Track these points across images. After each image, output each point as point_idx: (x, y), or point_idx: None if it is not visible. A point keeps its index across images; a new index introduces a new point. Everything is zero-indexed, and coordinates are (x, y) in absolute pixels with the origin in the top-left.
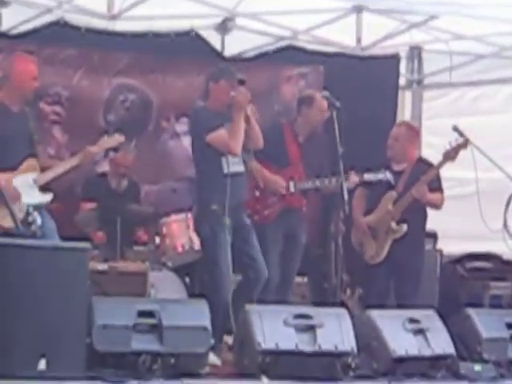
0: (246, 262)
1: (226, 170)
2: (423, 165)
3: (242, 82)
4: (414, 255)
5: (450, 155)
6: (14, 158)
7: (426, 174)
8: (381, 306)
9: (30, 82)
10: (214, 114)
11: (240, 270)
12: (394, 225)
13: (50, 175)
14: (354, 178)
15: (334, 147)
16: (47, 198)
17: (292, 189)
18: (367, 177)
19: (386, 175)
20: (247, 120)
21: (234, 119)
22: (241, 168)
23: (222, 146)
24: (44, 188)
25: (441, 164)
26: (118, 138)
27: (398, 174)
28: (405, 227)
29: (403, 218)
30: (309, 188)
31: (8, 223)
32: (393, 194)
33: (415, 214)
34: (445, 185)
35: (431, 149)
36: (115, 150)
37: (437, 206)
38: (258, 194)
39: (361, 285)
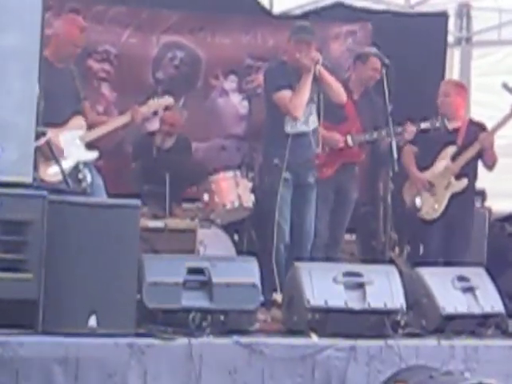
0: (297, 221)
1: (287, 130)
2: (475, 124)
3: (308, 43)
4: (467, 212)
5: None
6: (60, 115)
7: (497, 124)
8: (429, 263)
9: (69, 46)
10: (290, 71)
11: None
12: (453, 180)
13: (97, 133)
14: (411, 128)
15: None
16: (93, 155)
17: (350, 142)
18: (424, 125)
19: (444, 122)
20: (319, 79)
21: (300, 81)
22: (309, 127)
23: (282, 107)
24: (90, 145)
25: (509, 116)
26: (167, 100)
27: (453, 132)
28: (465, 182)
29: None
30: (366, 140)
31: (48, 176)
32: (452, 149)
33: (469, 171)
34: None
35: (480, 107)
36: (165, 108)
37: (494, 162)
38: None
39: (410, 242)
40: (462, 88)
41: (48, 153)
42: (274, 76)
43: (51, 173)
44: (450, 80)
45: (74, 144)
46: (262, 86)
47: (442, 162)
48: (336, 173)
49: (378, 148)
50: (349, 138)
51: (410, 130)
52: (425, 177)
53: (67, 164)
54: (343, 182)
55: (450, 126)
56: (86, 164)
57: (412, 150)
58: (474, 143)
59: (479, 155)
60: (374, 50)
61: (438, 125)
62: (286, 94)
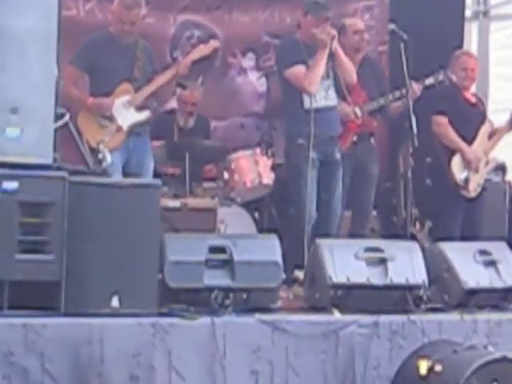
0: (324, 197)
1: (307, 106)
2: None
3: (327, 18)
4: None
5: None
6: (111, 85)
7: None
8: (450, 239)
9: (118, 23)
10: (303, 47)
11: (317, 205)
12: (490, 157)
13: (144, 93)
14: (417, 86)
15: (400, 75)
16: (144, 115)
17: (359, 112)
18: (428, 81)
19: (447, 74)
20: (334, 56)
21: (315, 57)
22: (329, 102)
23: (296, 82)
24: (141, 107)
25: None
26: (214, 44)
27: (475, 106)
28: (495, 159)
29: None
30: (374, 108)
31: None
32: (488, 127)
33: None
34: None
35: (499, 80)
36: (183, 87)
37: None
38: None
39: (431, 218)
40: (479, 63)
41: (106, 126)
42: (286, 52)
43: (109, 139)
44: (472, 54)
45: (123, 109)
46: (275, 63)
47: (482, 140)
48: (352, 147)
49: (395, 123)
50: (357, 109)
51: (417, 88)
52: (479, 153)
53: (121, 128)
54: (361, 156)
55: (473, 100)
56: (135, 125)
57: (446, 121)
58: (506, 123)
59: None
60: (391, 25)
61: (441, 78)
62: (299, 68)
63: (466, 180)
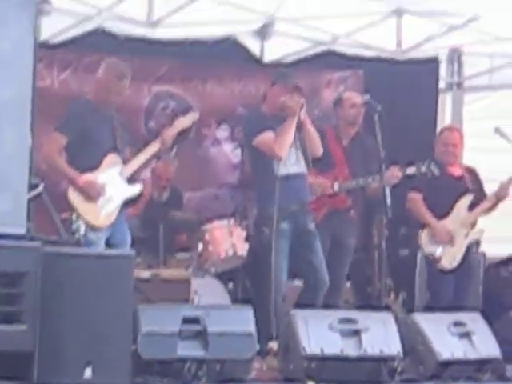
0: (307, 268)
1: (276, 173)
2: (471, 170)
3: (296, 87)
4: (475, 260)
5: None
6: (96, 157)
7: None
8: (426, 309)
9: (105, 93)
10: (268, 117)
11: (301, 277)
12: (471, 230)
13: (134, 165)
14: (397, 173)
15: (376, 150)
16: (137, 188)
17: (336, 189)
18: (410, 170)
19: (430, 167)
20: (301, 126)
21: (284, 124)
22: (299, 169)
23: (266, 149)
24: (131, 180)
25: None
26: (193, 116)
27: (458, 179)
28: (481, 231)
29: None
30: (353, 188)
31: (100, 222)
32: (469, 198)
33: None
34: (486, 187)
35: (473, 152)
36: (157, 157)
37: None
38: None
39: (405, 289)
40: (463, 136)
41: (94, 197)
42: (252, 122)
43: (103, 217)
44: (454, 128)
45: (115, 182)
46: (242, 135)
47: (461, 212)
48: (327, 219)
49: (370, 195)
50: (335, 185)
51: (396, 174)
52: (447, 227)
53: (115, 203)
54: (336, 228)
55: (456, 173)
56: (127, 200)
57: (419, 197)
58: (491, 195)
59: (494, 207)
60: (366, 96)
61: (423, 170)
62: (268, 135)
63: (435, 253)
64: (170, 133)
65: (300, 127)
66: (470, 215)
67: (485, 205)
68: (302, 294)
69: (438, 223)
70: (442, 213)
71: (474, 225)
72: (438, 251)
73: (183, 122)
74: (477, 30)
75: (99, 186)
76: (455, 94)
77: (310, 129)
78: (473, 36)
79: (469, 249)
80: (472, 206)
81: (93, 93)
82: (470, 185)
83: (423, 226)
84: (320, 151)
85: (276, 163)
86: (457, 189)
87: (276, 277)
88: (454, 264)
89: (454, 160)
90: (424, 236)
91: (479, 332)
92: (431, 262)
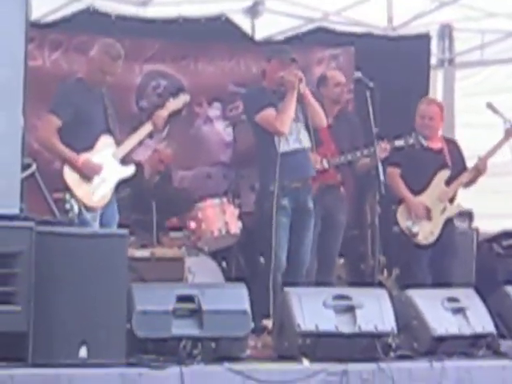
0: (293, 246)
1: (278, 149)
2: (449, 142)
3: (293, 61)
4: (455, 235)
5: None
6: (90, 137)
7: (491, 148)
8: (419, 285)
9: (98, 73)
10: (269, 93)
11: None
12: (448, 204)
13: (127, 147)
14: (386, 146)
15: (368, 126)
16: (131, 169)
17: (326, 165)
18: (398, 143)
19: (418, 139)
20: (302, 99)
21: (284, 99)
22: (301, 144)
23: (268, 125)
24: (124, 161)
25: (503, 140)
26: (184, 98)
27: (437, 153)
28: (459, 206)
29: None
30: (341, 163)
31: (95, 202)
32: (446, 173)
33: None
34: None
35: (466, 127)
36: (150, 137)
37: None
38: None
39: (401, 265)
40: (442, 109)
41: (90, 178)
42: (253, 98)
43: (97, 198)
44: (433, 100)
45: (108, 163)
46: (243, 112)
47: (438, 186)
48: (320, 196)
49: (360, 170)
50: (324, 161)
51: (384, 147)
52: (423, 202)
53: (109, 184)
54: (328, 204)
55: (434, 146)
56: (121, 181)
57: (397, 172)
58: (470, 169)
59: (473, 181)
60: (357, 73)
61: (411, 141)
62: (270, 111)
63: (411, 229)
64: (161, 114)
65: (301, 100)
66: (448, 190)
67: (462, 178)
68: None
69: (415, 198)
70: (420, 187)
71: (452, 199)
72: (415, 227)
73: (174, 103)
74: (468, 6)
75: (97, 165)
76: (447, 70)
77: (311, 100)
78: (464, 12)
79: (446, 224)
80: (450, 181)
81: (85, 72)
82: (449, 158)
83: (400, 201)
84: (324, 122)
85: (277, 140)
86: (435, 162)
87: (276, 253)
88: (431, 239)
89: (431, 133)
90: (400, 211)
91: (473, 307)
92: (407, 237)
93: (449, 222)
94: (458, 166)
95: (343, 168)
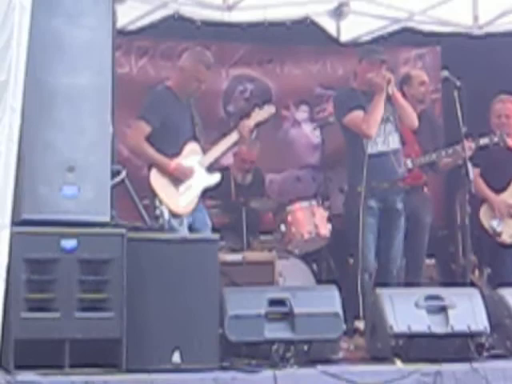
0: (383, 246)
1: (366, 151)
2: None
3: (383, 62)
4: None
5: None
6: (177, 144)
7: None
8: (504, 284)
9: (193, 81)
10: (360, 94)
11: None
12: None
13: (213, 155)
14: (470, 144)
15: (455, 125)
16: (216, 178)
17: (410, 165)
18: (483, 141)
19: (503, 136)
20: (392, 100)
21: (373, 100)
22: (391, 146)
23: (355, 128)
24: (210, 169)
25: None
26: (270, 109)
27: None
28: None
29: None
30: (426, 163)
31: (181, 209)
32: None
33: None
34: None
35: None
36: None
37: None
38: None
39: (489, 265)
40: None
41: (181, 182)
42: (343, 100)
43: (184, 205)
44: (506, 99)
45: (195, 171)
46: (333, 113)
47: None
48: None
49: (452, 171)
50: (408, 162)
51: (469, 146)
52: (506, 201)
53: (195, 191)
54: (413, 205)
55: (510, 141)
56: (208, 189)
57: (477, 172)
58: None
59: None
60: (444, 72)
61: (496, 140)
62: (357, 113)
63: (495, 228)
64: (247, 124)
65: (391, 101)
66: None
67: None
68: (376, 273)
69: (497, 197)
70: (500, 186)
71: None
72: (499, 226)
73: (260, 114)
74: None
75: (189, 169)
76: None
77: (402, 102)
78: None
79: None
80: None
81: (176, 81)
82: None
83: (483, 200)
84: (415, 123)
85: (366, 141)
86: (509, 160)
87: (363, 255)
88: None
89: (509, 131)
90: (483, 211)
91: None
92: (491, 236)
93: None
94: None
95: (426, 168)
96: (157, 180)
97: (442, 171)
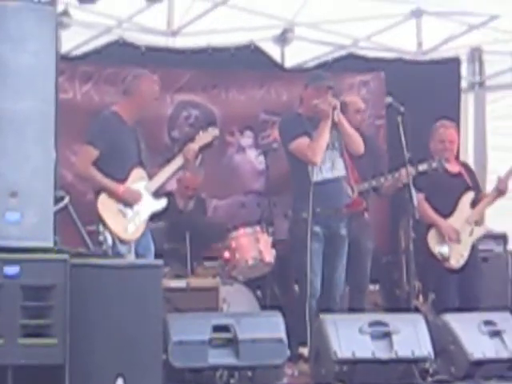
0: (326, 273)
1: (311, 178)
2: (466, 166)
3: (329, 88)
4: (478, 257)
5: None
6: (123, 170)
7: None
8: (454, 310)
9: (153, 102)
10: (305, 120)
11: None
12: (475, 227)
13: (159, 180)
14: (410, 170)
15: (399, 151)
16: (163, 203)
17: (350, 192)
18: (422, 167)
19: (441, 162)
20: (337, 126)
21: (318, 127)
22: (336, 173)
23: (300, 154)
24: (156, 194)
25: None
26: (213, 132)
27: (458, 176)
28: (485, 228)
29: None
30: (366, 189)
31: (128, 235)
32: (471, 195)
33: None
34: None
35: (497, 150)
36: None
37: None
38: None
39: (434, 290)
40: (459, 133)
41: (127, 213)
42: (288, 126)
43: (131, 231)
44: (449, 124)
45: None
46: (278, 139)
47: (464, 209)
48: None
49: (396, 197)
50: (349, 188)
51: (409, 172)
52: (454, 226)
53: (142, 217)
54: (353, 231)
55: (453, 170)
56: (154, 214)
57: (422, 197)
58: (492, 190)
59: (493, 202)
60: (388, 98)
61: (435, 165)
62: (302, 140)
63: (443, 253)
64: (192, 148)
65: (336, 128)
66: (474, 212)
67: (487, 200)
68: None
69: (445, 222)
70: (447, 211)
71: (478, 222)
72: (446, 250)
73: (204, 137)
74: (496, 29)
75: (137, 193)
76: (477, 93)
77: (348, 128)
78: (493, 35)
79: (473, 246)
80: (473, 203)
81: (122, 106)
82: (468, 181)
83: (430, 225)
84: (361, 149)
85: (311, 168)
86: (458, 185)
87: (310, 280)
88: (461, 262)
89: (451, 156)
90: (431, 235)
91: (510, 331)
92: (439, 261)
93: (475, 245)
94: (475, 188)
95: (367, 194)
96: (104, 206)
97: (386, 195)
